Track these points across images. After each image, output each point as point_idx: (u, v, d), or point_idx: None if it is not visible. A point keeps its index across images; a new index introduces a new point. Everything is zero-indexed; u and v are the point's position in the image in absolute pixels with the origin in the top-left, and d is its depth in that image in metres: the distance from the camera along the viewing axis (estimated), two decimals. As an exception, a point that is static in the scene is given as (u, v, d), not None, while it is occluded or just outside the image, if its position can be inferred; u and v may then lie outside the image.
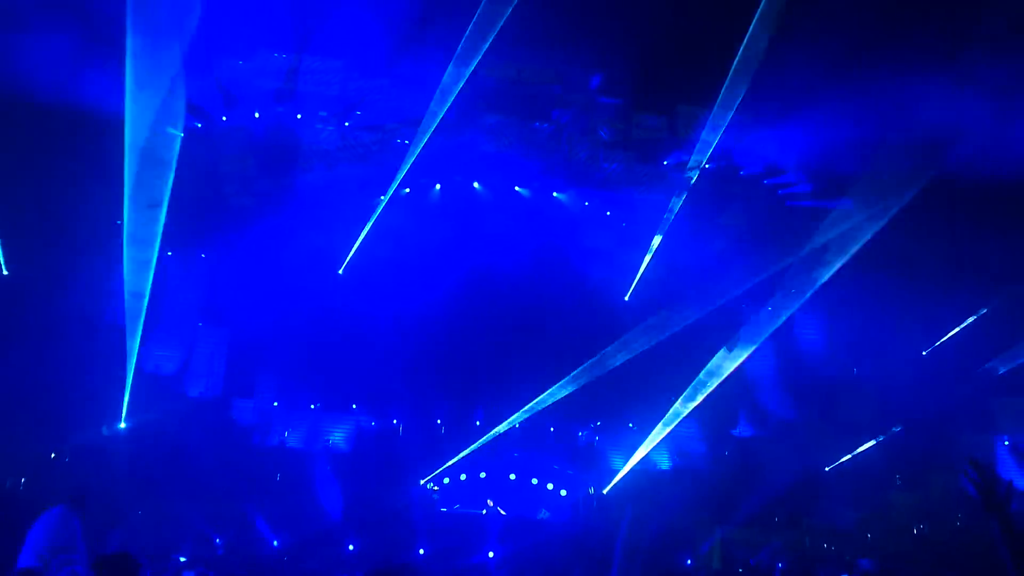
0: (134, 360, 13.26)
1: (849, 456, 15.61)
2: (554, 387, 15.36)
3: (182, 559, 9.91)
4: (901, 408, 15.29)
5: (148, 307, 14.49)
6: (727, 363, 15.16)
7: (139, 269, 13.44)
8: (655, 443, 15.43)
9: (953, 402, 15.00)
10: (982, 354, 15.24)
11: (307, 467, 14.60)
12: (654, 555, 13.19)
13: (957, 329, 15.56)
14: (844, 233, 14.60)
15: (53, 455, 13.11)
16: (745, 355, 15.19)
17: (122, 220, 14.71)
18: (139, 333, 13.24)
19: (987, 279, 14.72)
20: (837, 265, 14.97)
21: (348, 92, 14.79)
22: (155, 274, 14.59)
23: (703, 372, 15.13)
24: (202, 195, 14.68)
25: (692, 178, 14.87)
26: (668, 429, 15.34)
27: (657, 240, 15.64)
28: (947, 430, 14.76)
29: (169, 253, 15.46)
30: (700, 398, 15.18)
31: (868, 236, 14.24)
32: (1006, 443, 15.74)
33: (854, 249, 14.43)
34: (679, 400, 15.38)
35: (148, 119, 14.16)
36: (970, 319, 15.43)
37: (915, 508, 15.17)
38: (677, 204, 15.15)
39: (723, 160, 15.53)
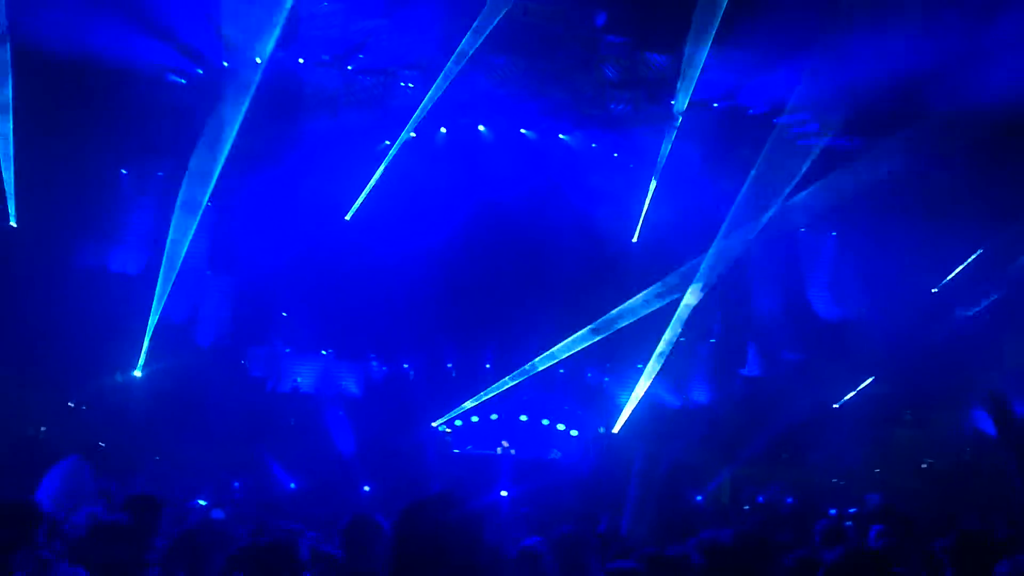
0: (160, 308, 13.40)
1: (856, 392, 15.71)
2: (564, 331, 15.43)
3: (201, 502, 10.11)
4: (910, 345, 15.31)
5: (157, 256, 14.58)
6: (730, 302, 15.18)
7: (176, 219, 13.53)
8: (653, 378, 15.52)
9: (962, 338, 15.02)
10: (991, 289, 15.20)
11: (320, 412, 14.81)
12: (666, 491, 13.44)
13: (965, 264, 15.46)
14: (853, 170, 14.45)
15: (71, 404, 13.30)
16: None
17: (127, 170, 14.70)
18: (172, 281, 13.36)
19: (997, 213, 14.59)
20: (845, 201, 14.88)
21: (349, 35, 14.54)
22: (162, 223, 14.63)
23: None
24: (207, 142, 14.59)
25: (679, 117, 14.63)
26: (659, 366, 15.41)
27: (654, 182, 15.49)
28: (955, 366, 14.80)
29: (176, 201, 15.44)
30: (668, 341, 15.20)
31: (878, 174, 14.10)
32: (1017, 376, 15.80)
33: (863, 186, 14.32)
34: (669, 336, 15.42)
35: (150, 67, 14.04)
36: (978, 252, 15.34)
37: (923, 444, 15.33)
38: (668, 144, 14.96)
39: (732, 99, 15.29)
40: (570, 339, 15.42)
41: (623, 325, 15.42)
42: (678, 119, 14.57)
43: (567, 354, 15.63)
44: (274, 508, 10.86)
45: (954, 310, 15.38)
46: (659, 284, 15.53)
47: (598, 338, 15.38)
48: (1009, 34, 10.68)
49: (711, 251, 15.14)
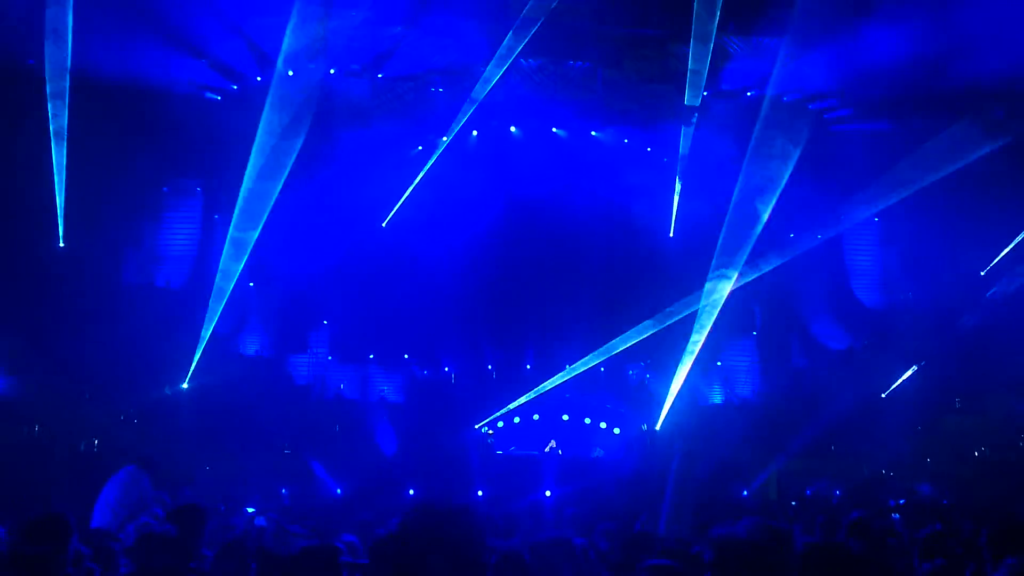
0: (213, 325, 13.70)
1: (903, 381, 15.38)
2: (604, 329, 15.37)
3: (250, 510, 10.30)
4: (958, 330, 14.96)
5: (200, 270, 14.90)
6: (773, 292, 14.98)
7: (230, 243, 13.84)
8: (695, 373, 15.36)
9: (1012, 321, 14.62)
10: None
11: (364, 418, 14.98)
12: (708, 488, 13.33)
13: (1013, 244, 15.04)
14: (896, 157, 14.17)
15: (122, 417, 13.65)
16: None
17: (168, 188, 15.04)
18: (224, 299, 13.65)
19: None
20: (890, 190, 14.59)
21: (378, 43, 14.70)
22: (203, 238, 14.93)
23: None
24: (244, 157, 14.87)
25: (694, 112, 14.49)
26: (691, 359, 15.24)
27: (679, 177, 15.36)
28: (1005, 351, 14.41)
29: (216, 216, 15.76)
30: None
31: (922, 160, 13.81)
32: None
33: (909, 174, 14.02)
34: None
35: (187, 86, 14.36)
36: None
37: (975, 431, 14.94)
38: (688, 136, 14.81)
39: (765, 87, 15.10)
40: (614, 339, 15.32)
41: (670, 322, 15.26)
42: (694, 115, 14.42)
43: (610, 352, 15.55)
44: (322, 513, 11.04)
45: (1003, 293, 14.96)
46: (699, 278, 15.36)
47: (640, 335, 15.26)
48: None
49: (750, 243, 14.95)
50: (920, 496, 12.97)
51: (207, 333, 13.91)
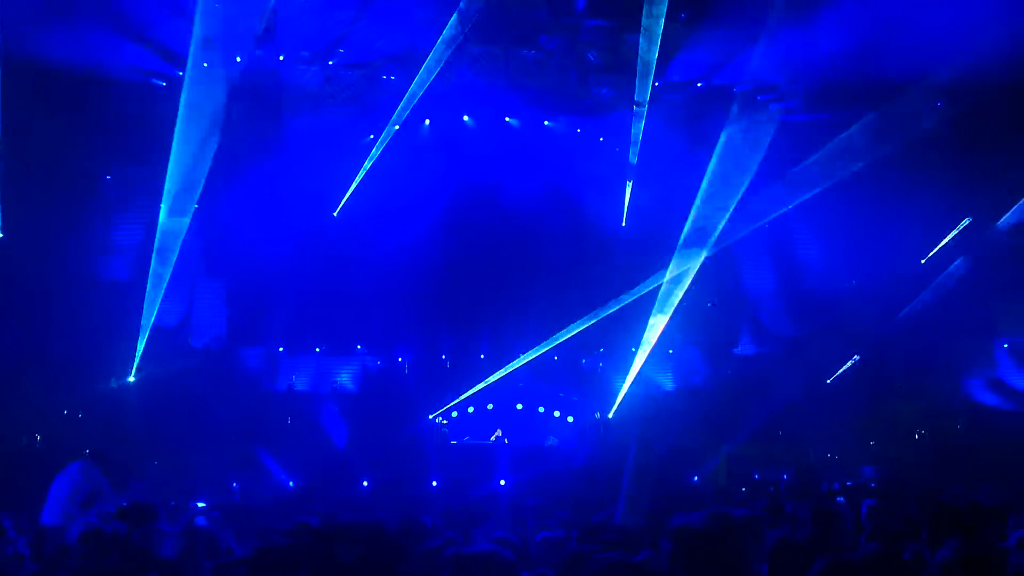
0: (154, 314, 13.40)
1: (848, 367, 15.80)
2: (556, 318, 15.47)
3: (200, 504, 10.15)
4: (900, 316, 15.40)
5: (146, 261, 14.57)
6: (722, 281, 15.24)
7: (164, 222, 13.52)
8: (656, 364, 15.59)
9: (952, 307, 15.10)
10: (981, 259, 15.27)
11: (317, 409, 14.85)
12: (661, 475, 13.53)
13: (953, 233, 15.53)
14: (839, 146, 14.49)
15: (66, 412, 13.32)
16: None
17: (112, 176, 14.66)
18: (163, 288, 13.35)
19: (981, 179, 14.66)
20: (833, 178, 14.93)
21: (329, 30, 14.50)
22: (148, 228, 14.61)
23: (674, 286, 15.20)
24: (191, 145, 14.55)
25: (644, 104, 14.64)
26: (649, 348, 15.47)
27: (633, 164, 15.50)
28: (946, 336, 14.89)
29: (161, 206, 15.41)
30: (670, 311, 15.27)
31: (865, 150, 14.15)
32: (1005, 346, 15.91)
33: (850, 162, 14.36)
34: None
35: (131, 72, 13.98)
36: (965, 222, 15.40)
37: (916, 415, 15.44)
38: (640, 127, 14.95)
39: (714, 78, 15.29)
40: (564, 327, 15.43)
41: (616, 308, 15.43)
42: (644, 105, 14.55)
43: (560, 340, 15.66)
44: (274, 507, 10.93)
45: (943, 280, 15.45)
46: (649, 266, 15.55)
47: (592, 322, 15.39)
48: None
49: (702, 232, 15.17)
50: (863, 478, 13.37)
51: (148, 324, 13.59)
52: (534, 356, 15.75)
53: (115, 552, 4.79)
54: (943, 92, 14.34)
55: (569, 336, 15.61)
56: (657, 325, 15.40)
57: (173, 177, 14.54)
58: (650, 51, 13.70)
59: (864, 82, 13.70)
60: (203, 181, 14.74)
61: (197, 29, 13.97)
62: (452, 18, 13.48)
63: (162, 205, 13.66)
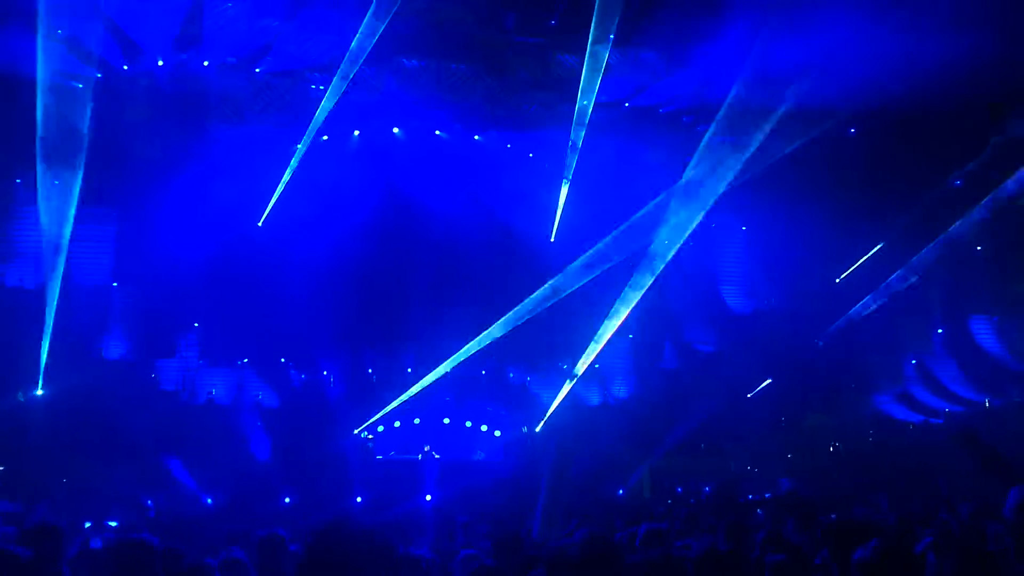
0: (51, 322, 12.79)
1: (768, 382, 16.27)
2: (484, 331, 15.46)
3: (112, 524, 9.76)
4: (816, 334, 15.97)
5: (59, 269, 13.97)
6: (647, 298, 15.50)
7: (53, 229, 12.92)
8: (578, 377, 15.72)
9: (865, 326, 15.74)
10: (890, 278, 15.96)
11: (238, 424, 14.47)
12: (583, 487, 13.66)
13: (867, 256, 16.22)
14: (759, 168, 14.95)
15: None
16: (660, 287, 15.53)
17: (21, 179, 14.03)
18: (56, 295, 12.76)
19: (897, 206, 15.35)
20: (754, 199, 15.38)
21: (256, 36, 14.23)
22: (61, 235, 14.02)
23: (623, 308, 15.42)
24: (109, 150, 14.07)
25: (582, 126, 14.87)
26: (586, 365, 15.63)
27: (566, 182, 15.68)
28: (859, 353, 15.51)
29: (76, 211, 14.83)
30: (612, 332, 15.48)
31: (785, 173, 14.65)
32: (913, 363, 16.67)
33: (771, 184, 14.83)
34: (605, 335, 15.69)
35: (45, 72, 13.42)
36: (878, 247, 16.09)
37: (830, 428, 16.01)
38: (576, 146, 15.16)
39: (642, 99, 15.60)
40: (490, 339, 15.42)
41: (544, 322, 15.51)
42: (584, 125, 14.73)
43: (487, 353, 15.66)
44: (190, 525, 10.59)
45: (856, 299, 16.08)
46: (578, 281, 15.69)
47: (517, 335, 15.41)
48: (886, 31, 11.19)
49: (626, 247, 15.41)
50: (781, 489, 13.76)
51: (47, 334, 12.95)
52: (461, 370, 15.70)
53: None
54: (857, 119, 14.97)
55: (495, 349, 15.62)
56: (589, 339, 15.54)
57: (87, 181, 14.04)
58: (594, 71, 13.88)
59: (785, 106, 14.19)
60: (120, 186, 14.27)
61: (115, 29, 13.57)
62: (382, 29, 13.40)
63: (72, 211, 13.09)
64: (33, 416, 12.93)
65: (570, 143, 15.09)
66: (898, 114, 13.37)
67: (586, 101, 14.62)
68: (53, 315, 12.84)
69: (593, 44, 13.46)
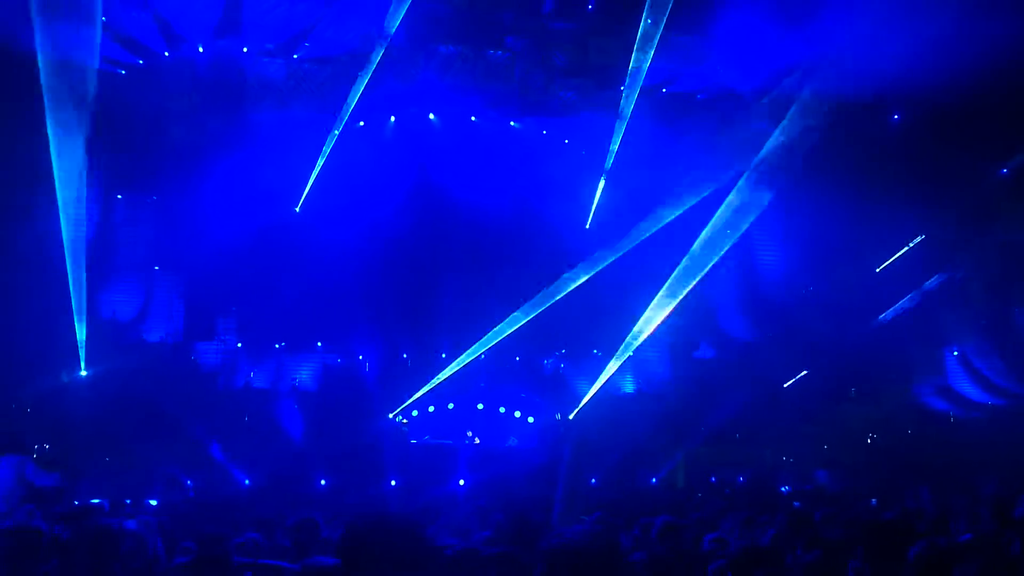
0: (84, 306, 13.03)
1: (804, 373, 16.06)
2: (517, 317, 15.46)
3: (152, 502, 9.98)
4: (855, 324, 15.71)
5: (102, 253, 14.26)
6: (683, 286, 15.35)
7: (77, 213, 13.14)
8: (618, 367, 15.66)
9: (904, 316, 15.45)
10: (931, 269, 15.65)
11: (275, 407, 14.66)
12: (615, 475, 13.66)
13: (909, 246, 15.91)
14: (799, 155, 14.71)
15: (14, 406, 12.97)
16: (699, 276, 15.36)
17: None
18: (84, 278, 12.99)
19: (941, 195, 15.02)
20: (793, 187, 15.16)
21: (294, 23, 14.34)
22: (106, 219, 14.31)
23: (661, 296, 15.30)
24: (150, 135, 14.30)
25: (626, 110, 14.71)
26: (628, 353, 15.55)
27: (604, 174, 15.57)
28: (898, 343, 15.24)
29: (119, 196, 15.12)
30: (659, 320, 15.37)
31: (826, 160, 14.40)
32: (955, 353, 16.33)
33: (809, 172, 14.60)
34: (640, 323, 15.60)
35: (89, 57, 13.65)
36: (919, 238, 15.77)
37: (868, 419, 15.75)
38: (620, 133, 15.00)
39: (679, 85, 15.43)
40: (523, 324, 15.39)
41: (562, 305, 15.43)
42: (626, 112, 14.59)
43: (521, 338, 15.67)
44: (228, 506, 10.78)
45: (896, 289, 15.79)
46: (609, 268, 15.59)
47: (533, 315, 15.35)
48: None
49: (664, 235, 15.28)
50: (817, 482, 13.62)
51: (81, 316, 13.16)
52: (495, 356, 15.73)
53: (39, 554, 4.60)
54: (901, 105, 14.65)
55: (529, 335, 15.62)
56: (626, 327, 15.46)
57: (130, 167, 14.28)
58: (643, 58, 13.74)
59: (824, 93, 13.93)
60: (162, 172, 14.50)
61: (157, 17, 13.76)
62: (419, 17, 13.42)
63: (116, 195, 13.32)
64: (77, 396, 13.23)
65: (619, 124, 14.83)
66: (944, 101, 13.06)
67: (630, 87, 14.48)
68: (84, 299, 13.05)
69: (644, 29, 13.29)
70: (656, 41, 13.65)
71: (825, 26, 12.44)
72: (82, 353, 13.19)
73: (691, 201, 15.06)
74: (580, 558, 2.62)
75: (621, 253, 15.47)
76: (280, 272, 15.03)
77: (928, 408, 15.87)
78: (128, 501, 9.29)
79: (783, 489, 13.06)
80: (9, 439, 8.48)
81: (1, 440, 8.60)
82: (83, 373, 13.38)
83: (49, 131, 11.84)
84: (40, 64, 11.47)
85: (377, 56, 13.83)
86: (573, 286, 15.32)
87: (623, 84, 15.17)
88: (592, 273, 15.43)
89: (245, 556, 4.76)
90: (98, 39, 12.17)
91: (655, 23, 13.51)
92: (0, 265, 13.03)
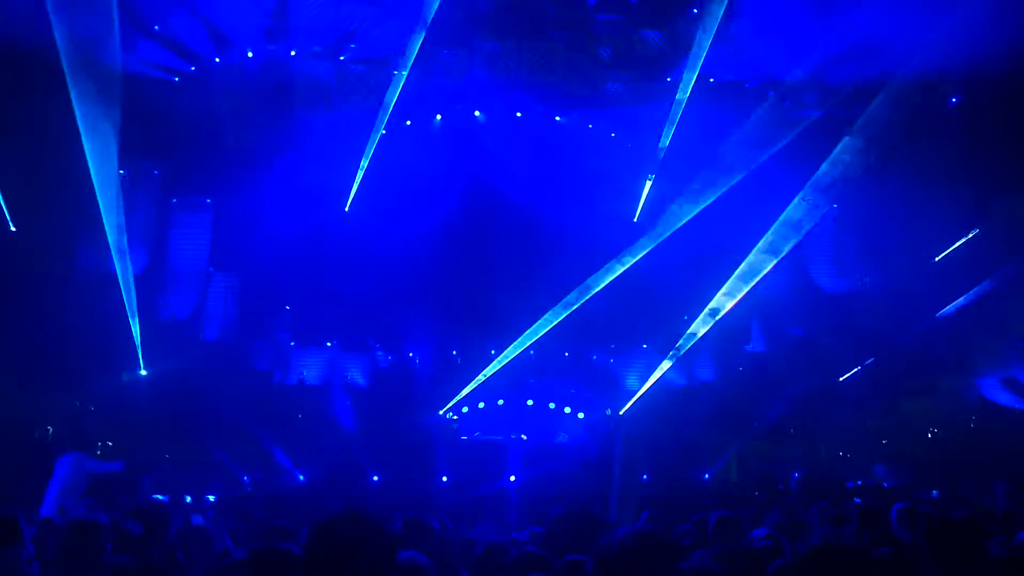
0: (135, 306, 13.38)
1: (862, 366, 15.68)
2: (566, 312, 15.42)
3: (211, 498, 10.21)
4: (913, 315, 15.28)
5: (159, 256, 14.64)
6: (740, 283, 15.12)
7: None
8: (669, 362, 15.50)
9: (965, 307, 14.97)
10: (993, 260, 15.12)
11: (327, 404, 14.87)
12: (667, 471, 13.53)
13: (969, 236, 15.41)
14: (851, 142, 14.38)
15: (78, 404, 13.39)
16: (761, 274, 15.11)
17: (125, 171, 14.71)
18: (132, 280, 13.34)
19: (1001, 184, 14.51)
20: (845, 175, 14.82)
21: (340, 25, 14.51)
22: (161, 223, 14.66)
23: (720, 292, 15.10)
24: (203, 140, 14.61)
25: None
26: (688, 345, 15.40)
27: (652, 173, 15.40)
28: (958, 335, 14.78)
29: (174, 200, 15.48)
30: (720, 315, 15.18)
31: (879, 147, 14.03)
32: (1020, 346, 15.76)
33: (862, 159, 14.25)
34: (693, 318, 15.43)
35: (143, 65, 14.02)
36: (977, 230, 15.28)
37: (928, 413, 15.31)
38: (673, 124, 14.80)
39: (727, 73, 15.18)
40: (565, 315, 15.32)
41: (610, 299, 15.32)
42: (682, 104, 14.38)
43: (570, 333, 15.62)
44: (284, 500, 10.99)
45: (956, 280, 15.31)
46: (663, 263, 15.44)
47: (581, 310, 15.27)
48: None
49: (704, 229, 15.08)
50: (876, 477, 13.31)
51: (136, 320, 13.49)
52: (545, 352, 15.72)
53: (109, 548, 4.72)
54: (959, 87, 14.20)
55: (578, 330, 15.57)
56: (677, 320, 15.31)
57: (184, 171, 14.60)
58: (702, 46, 13.57)
59: (877, 78, 13.58)
60: (215, 175, 14.79)
61: (207, 23, 14.04)
62: (462, 12, 13.45)
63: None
64: (137, 395, 13.61)
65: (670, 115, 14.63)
66: (1003, 82, 12.61)
67: (677, 78, 14.30)
68: (134, 300, 13.39)
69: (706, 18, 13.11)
70: (712, 31, 13.42)
71: (874, 6, 12.13)
72: (140, 352, 13.54)
73: (739, 192, 14.81)
74: (633, 558, 2.58)
75: (669, 247, 15.32)
76: (331, 271, 15.24)
77: (991, 402, 15.36)
78: (188, 498, 9.52)
79: (848, 484, 12.79)
80: (73, 436, 8.73)
81: (64, 438, 8.87)
82: (143, 372, 13.75)
83: (83, 139, 12.11)
84: (65, 65, 11.69)
85: (416, 53, 13.87)
86: (615, 275, 15.21)
87: (669, 75, 14.99)
88: (636, 265, 15.31)
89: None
90: (117, 36, 12.35)
91: (716, 12, 13.29)
92: (59, 271, 13.46)
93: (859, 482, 13.26)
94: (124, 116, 13.33)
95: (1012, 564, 3.97)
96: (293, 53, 14.77)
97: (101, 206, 12.87)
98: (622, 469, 7.35)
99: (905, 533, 5.38)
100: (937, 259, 15.67)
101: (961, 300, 15.10)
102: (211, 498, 10.26)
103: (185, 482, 11.52)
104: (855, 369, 15.73)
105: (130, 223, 14.42)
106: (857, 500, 9.21)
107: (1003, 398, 15.30)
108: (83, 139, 12.39)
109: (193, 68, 14.53)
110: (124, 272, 13.21)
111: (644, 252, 15.53)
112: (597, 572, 2.66)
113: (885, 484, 12.62)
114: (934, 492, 10.81)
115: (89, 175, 13.46)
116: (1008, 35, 10.69)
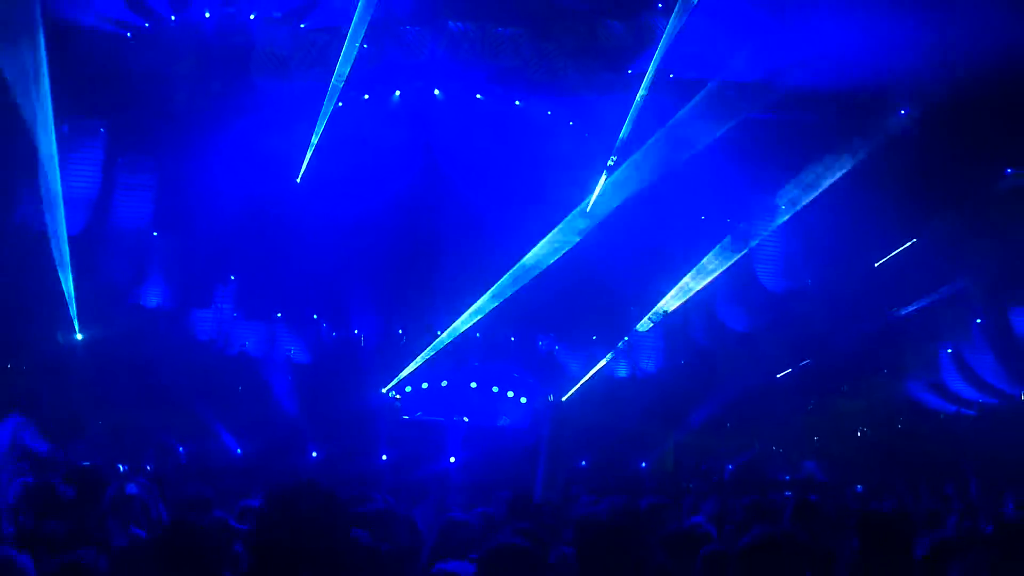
0: (67, 265, 12.95)
1: (799, 365, 16.12)
2: (513, 295, 15.47)
3: (147, 467, 10.01)
4: (851, 319, 15.74)
5: (100, 215, 14.21)
6: (687, 279, 15.37)
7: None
8: (613, 352, 15.71)
9: (899, 312, 15.49)
10: (929, 267, 15.66)
11: (269, 377, 14.69)
12: (606, 459, 13.75)
13: (908, 244, 15.92)
14: (803, 147, 14.69)
15: (9, 366, 12.97)
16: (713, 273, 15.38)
17: (68, 127, 14.22)
18: (65, 239, 12.91)
19: (942, 196, 15.00)
20: (794, 178, 15.15)
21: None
22: (105, 182, 14.23)
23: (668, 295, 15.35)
24: (154, 99, 14.19)
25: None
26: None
27: (613, 158, 15.49)
28: (891, 339, 15.29)
29: (120, 159, 15.02)
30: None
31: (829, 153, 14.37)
32: (949, 351, 16.39)
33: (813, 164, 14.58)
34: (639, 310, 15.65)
35: (93, 18, 13.54)
36: (915, 239, 15.79)
37: (859, 413, 15.85)
38: (632, 117, 14.91)
39: (688, 70, 15.31)
40: (517, 303, 15.36)
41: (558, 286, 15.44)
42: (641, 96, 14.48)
43: (516, 318, 15.68)
44: (219, 473, 10.83)
45: (894, 287, 15.82)
46: (606, 252, 15.57)
47: (516, 290, 15.36)
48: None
49: (656, 223, 15.26)
50: (806, 471, 13.73)
51: (68, 278, 13.07)
52: (490, 335, 15.77)
53: (56, 515, 4.67)
54: (911, 98, 14.60)
55: (523, 315, 15.64)
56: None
57: (131, 130, 14.18)
58: (664, 41, 13.62)
59: (833, 86, 13.86)
60: (164, 136, 14.40)
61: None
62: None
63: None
64: (72, 359, 13.22)
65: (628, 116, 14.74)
66: (955, 97, 13.00)
67: (638, 70, 14.37)
68: (68, 256, 12.95)
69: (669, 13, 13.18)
70: (675, 26, 13.52)
71: (832, 17, 12.36)
72: (75, 314, 13.12)
73: (696, 190, 15.03)
74: (610, 530, 2.67)
75: (620, 239, 15.46)
76: (278, 242, 15.01)
77: (920, 404, 15.96)
78: (123, 467, 9.32)
79: (784, 477, 13.17)
80: (25, 400, 8.42)
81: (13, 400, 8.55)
82: (79, 336, 13.35)
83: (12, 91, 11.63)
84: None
85: (383, 29, 13.64)
86: (559, 259, 15.30)
87: (630, 68, 15.05)
88: (585, 255, 15.42)
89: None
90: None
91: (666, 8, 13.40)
92: (2, 228, 12.96)
93: (787, 477, 13.65)
94: (70, 70, 12.87)
95: (934, 561, 4.13)
96: (252, 17, 14.40)
97: (40, 161, 12.36)
98: (551, 451, 7.43)
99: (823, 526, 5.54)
100: (877, 264, 16.15)
101: (896, 305, 15.62)
102: (147, 468, 10.05)
103: (117, 450, 11.25)
104: (792, 368, 16.16)
105: (72, 179, 13.94)
106: (787, 493, 9.49)
107: (930, 401, 15.93)
108: (12, 91, 11.85)
109: (148, 25, 14.07)
110: (56, 228, 12.69)
111: (594, 242, 15.65)
112: (578, 540, 2.74)
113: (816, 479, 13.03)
114: (859, 487, 11.22)
115: (24, 128, 12.97)
116: (960, 50, 11.01)
